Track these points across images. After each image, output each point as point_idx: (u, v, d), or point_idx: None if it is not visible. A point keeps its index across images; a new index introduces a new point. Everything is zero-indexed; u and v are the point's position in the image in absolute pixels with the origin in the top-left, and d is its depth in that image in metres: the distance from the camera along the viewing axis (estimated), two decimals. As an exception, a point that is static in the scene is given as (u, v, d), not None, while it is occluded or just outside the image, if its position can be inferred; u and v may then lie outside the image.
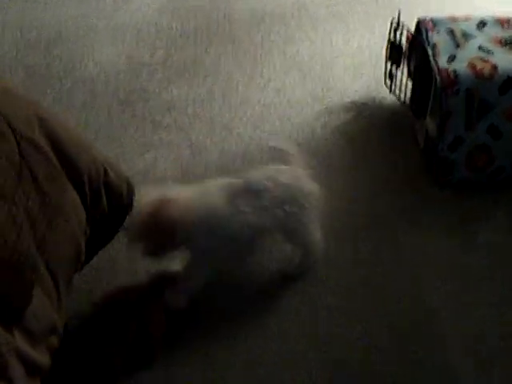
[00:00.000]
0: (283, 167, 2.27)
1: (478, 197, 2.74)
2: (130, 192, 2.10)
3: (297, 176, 2.25)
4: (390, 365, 2.18)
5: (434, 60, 2.65)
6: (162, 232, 2.03)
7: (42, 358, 1.58)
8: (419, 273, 2.45)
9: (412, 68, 2.99)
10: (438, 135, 2.66)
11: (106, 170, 1.95)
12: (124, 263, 2.47)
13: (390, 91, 3.19)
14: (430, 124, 2.74)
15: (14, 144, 1.66)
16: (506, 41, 2.66)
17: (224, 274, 2.36)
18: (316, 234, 2.35)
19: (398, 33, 3.01)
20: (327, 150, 2.96)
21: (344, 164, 2.91)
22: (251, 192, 2.15)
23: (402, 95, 3.11)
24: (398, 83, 3.11)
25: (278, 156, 2.35)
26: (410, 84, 3.04)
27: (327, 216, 2.55)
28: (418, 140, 2.94)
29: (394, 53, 3.09)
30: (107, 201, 1.98)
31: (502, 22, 2.77)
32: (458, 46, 2.66)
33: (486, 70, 2.54)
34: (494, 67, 2.54)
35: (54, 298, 1.66)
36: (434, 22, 2.80)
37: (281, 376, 2.15)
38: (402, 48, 3.04)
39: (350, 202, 2.73)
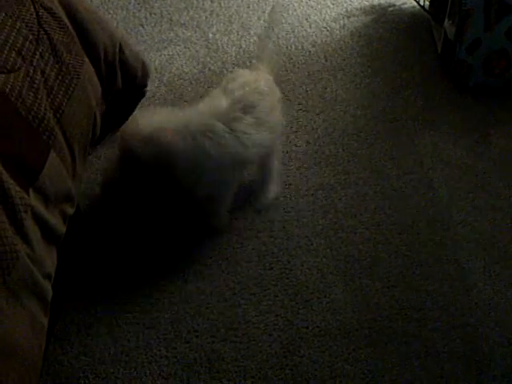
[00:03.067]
0: (253, 73, 2.22)
1: (494, 103, 2.75)
2: (145, 73, 2.11)
3: (271, 84, 2.20)
4: (398, 257, 2.23)
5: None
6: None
7: (56, 222, 1.60)
8: (432, 173, 2.48)
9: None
10: (456, 37, 2.65)
11: (121, 48, 1.95)
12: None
13: (410, -5, 3.14)
14: (449, 26, 2.72)
15: (33, 11, 1.66)
16: None
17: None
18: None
19: None
20: (344, 52, 2.96)
21: (361, 67, 2.90)
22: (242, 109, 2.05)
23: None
24: (418, -13, 3.07)
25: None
26: (430, -12, 2.99)
27: (342, 120, 2.62)
28: (436, 45, 2.92)
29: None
30: (122, 78, 1.98)
31: None
32: None
33: (508, -31, 2.50)
34: (517, -34, 2.50)
35: (69, 166, 1.68)
36: None
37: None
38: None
39: (365, 105, 2.74)
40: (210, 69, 2.86)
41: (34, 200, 1.48)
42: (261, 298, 2.11)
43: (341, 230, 2.29)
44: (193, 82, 2.80)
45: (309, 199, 2.37)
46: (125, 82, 2.00)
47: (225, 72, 2.83)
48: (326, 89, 2.76)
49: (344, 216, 2.33)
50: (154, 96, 2.68)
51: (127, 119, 2.21)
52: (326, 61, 2.89)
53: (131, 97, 2.12)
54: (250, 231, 2.27)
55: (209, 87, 2.73)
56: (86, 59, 1.79)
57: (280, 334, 2.03)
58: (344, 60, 2.90)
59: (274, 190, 2.37)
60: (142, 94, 2.19)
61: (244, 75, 2.19)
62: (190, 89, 2.77)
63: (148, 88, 2.30)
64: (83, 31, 1.80)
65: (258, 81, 2.14)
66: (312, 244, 2.24)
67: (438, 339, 2.03)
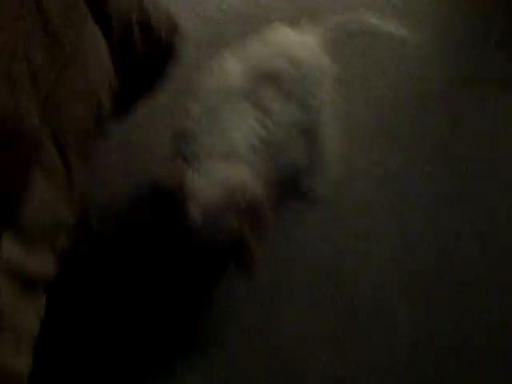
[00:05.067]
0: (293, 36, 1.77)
1: None
2: (172, 31, 1.75)
3: (311, 48, 1.76)
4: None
5: None
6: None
7: (40, 264, 1.31)
8: (499, 137, 2.28)
9: None
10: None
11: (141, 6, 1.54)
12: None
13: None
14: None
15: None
16: None
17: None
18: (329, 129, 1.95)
19: None
20: (421, 9, 2.60)
21: (436, 24, 2.58)
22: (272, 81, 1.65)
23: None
24: None
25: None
26: None
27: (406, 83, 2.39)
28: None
29: None
30: (143, 43, 1.64)
31: None
32: None
33: None
34: None
35: (61, 182, 1.33)
36: None
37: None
38: None
39: (440, 61, 2.46)
40: (257, 2, 2.45)
41: (7, 247, 1.18)
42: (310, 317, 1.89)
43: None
44: (239, 19, 2.39)
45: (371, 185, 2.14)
46: (147, 47, 1.66)
47: (274, 6, 2.42)
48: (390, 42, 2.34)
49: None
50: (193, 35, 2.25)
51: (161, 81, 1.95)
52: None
53: (155, 61, 1.80)
54: (297, 231, 2.02)
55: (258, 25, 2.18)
56: (91, 25, 1.37)
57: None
58: (419, 17, 2.55)
59: (327, 179, 2.05)
60: (174, 55, 1.91)
61: (275, 34, 1.75)
62: (231, 27, 2.36)
63: (184, 26, 2.01)
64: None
65: (292, 43, 1.72)
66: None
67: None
